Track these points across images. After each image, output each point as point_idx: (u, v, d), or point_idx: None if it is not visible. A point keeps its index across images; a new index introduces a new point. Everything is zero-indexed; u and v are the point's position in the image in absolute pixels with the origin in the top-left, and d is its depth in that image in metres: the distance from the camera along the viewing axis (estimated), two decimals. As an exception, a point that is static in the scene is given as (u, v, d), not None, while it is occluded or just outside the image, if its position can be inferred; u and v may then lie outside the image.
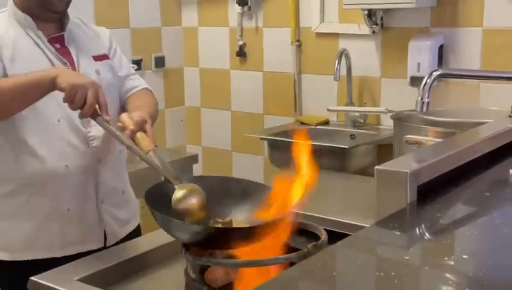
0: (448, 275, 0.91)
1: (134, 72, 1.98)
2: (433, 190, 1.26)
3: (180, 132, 3.70)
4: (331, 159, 2.70)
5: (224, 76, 3.49)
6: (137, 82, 1.94)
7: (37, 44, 1.72)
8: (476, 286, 0.88)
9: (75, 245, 1.71)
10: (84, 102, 1.52)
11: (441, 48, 2.69)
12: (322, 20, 3.06)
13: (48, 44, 1.74)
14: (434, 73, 1.48)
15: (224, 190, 1.45)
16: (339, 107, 3.00)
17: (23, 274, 1.42)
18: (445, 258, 0.98)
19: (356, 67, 2.94)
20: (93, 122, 1.65)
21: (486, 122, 1.74)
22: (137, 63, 3.31)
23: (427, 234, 1.14)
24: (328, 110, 2.97)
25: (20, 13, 1.73)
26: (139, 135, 1.53)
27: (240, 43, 3.34)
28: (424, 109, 1.46)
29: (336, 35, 3.02)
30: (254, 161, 3.41)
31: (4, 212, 1.72)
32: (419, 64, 2.66)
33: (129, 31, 3.30)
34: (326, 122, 3.07)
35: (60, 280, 1.35)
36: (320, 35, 3.08)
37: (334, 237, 1.39)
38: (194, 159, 2.96)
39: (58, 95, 1.62)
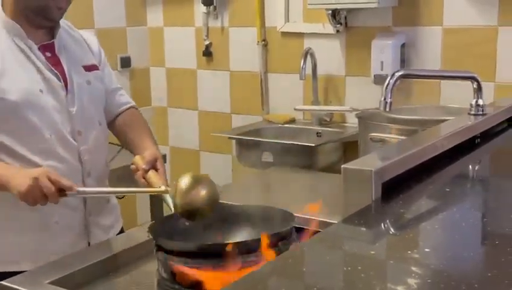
0: (412, 268, 0.96)
1: (120, 86, 1.97)
2: (397, 186, 1.31)
3: (147, 132, 3.69)
4: (298, 157, 2.74)
5: (191, 76, 3.50)
6: (126, 98, 1.95)
7: (26, 54, 1.66)
8: (437, 278, 0.92)
9: (58, 255, 1.65)
10: (45, 194, 1.49)
11: (403, 46, 2.75)
12: (287, 19, 3.10)
13: (38, 52, 1.68)
14: (396, 74, 1.53)
15: (228, 217, 1.48)
16: (305, 107, 3.05)
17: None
18: (409, 252, 1.02)
19: (321, 66, 2.98)
20: (83, 136, 1.69)
21: (447, 119, 1.80)
22: (103, 63, 3.30)
23: (391, 229, 1.18)
24: (294, 109, 3.01)
25: (8, 20, 1.66)
26: (151, 173, 1.59)
27: (206, 42, 3.36)
28: (387, 109, 1.51)
29: (301, 35, 3.06)
30: (222, 160, 3.44)
31: None
32: (382, 62, 2.72)
33: (94, 31, 3.28)
34: (293, 121, 3.12)
35: (30, 283, 1.35)
36: (285, 34, 3.12)
37: (301, 233, 1.43)
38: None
39: (48, 111, 1.63)
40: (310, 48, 2.94)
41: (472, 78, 1.74)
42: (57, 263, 1.46)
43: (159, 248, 1.33)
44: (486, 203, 1.34)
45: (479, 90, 1.75)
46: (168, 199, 1.50)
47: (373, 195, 1.23)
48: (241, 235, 1.46)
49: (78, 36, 1.84)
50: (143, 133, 1.85)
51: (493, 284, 0.89)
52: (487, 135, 1.77)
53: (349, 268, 0.97)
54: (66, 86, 1.70)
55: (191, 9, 3.42)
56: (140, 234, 1.55)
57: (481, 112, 1.75)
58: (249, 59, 3.24)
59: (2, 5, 1.68)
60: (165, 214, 2.01)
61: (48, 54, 1.70)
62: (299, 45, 3.05)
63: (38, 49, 1.68)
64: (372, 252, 1.05)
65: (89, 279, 1.40)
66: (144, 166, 1.60)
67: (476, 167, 1.63)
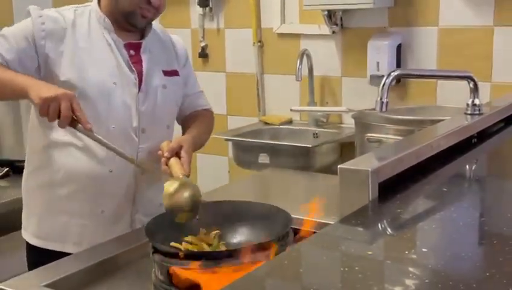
0: (409, 268, 0.95)
1: (201, 89, 2.02)
2: (393, 186, 1.31)
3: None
4: (295, 158, 2.74)
5: (187, 77, 3.49)
6: (205, 102, 2.01)
7: (111, 48, 1.72)
8: (435, 278, 0.92)
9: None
10: (60, 113, 1.52)
11: (399, 47, 2.75)
12: (283, 21, 3.09)
13: (123, 49, 1.74)
14: (392, 74, 1.52)
15: (225, 214, 1.48)
16: (301, 107, 3.04)
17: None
18: (406, 252, 1.01)
19: (317, 67, 2.98)
20: (146, 134, 1.72)
21: (443, 119, 1.80)
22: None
23: (388, 230, 1.18)
24: (291, 110, 3.00)
25: (101, 15, 1.73)
26: (173, 160, 1.59)
27: (202, 44, 3.36)
28: (384, 109, 1.50)
29: (297, 36, 3.06)
30: (219, 161, 3.43)
31: (44, 202, 1.75)
32: (378, 63, 2.72)
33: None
34: (290, 122, 3.12)
35: (26, 286, 1.34)
36: (281, 35, 3.11)
37: (298, 234, 1.43)
38: (158, 161, 2.96)
39: (117, 104, 1.69)
40: (306, 49, 2.94)
41: (468, 78, 1.74)
42: (53, 265, 1.46)
43: (155, 250, 1.33)
44: (483, 203, 1.34)
45: (475, 90, 1.75)
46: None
47: (370, 195, 1.23)
48: (240, 235, 1.46)
49: (168, 40, 1.89)
50: (195, 125, 1.87)
51: (491, 283, 0.88)
52: (484, 135, 1.77)
53: (346, 269, 0.96)
54: (139, 84, 1.74)
55: (187, 11, 3.41)
56: (137, 235, 1.55)
57: (477, 112, 1.75)
58: (245, 60, 3.24)
59: (99, 1, 1.77)
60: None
61: (132, 52, 1.76)
62: (295, 45, 3.05)
63: (124, 46, 1.74)
64: (369, 253, 1.04)
65: (85, 282, 1.40)
66: (166, 153, 1.61)
67: (473, 167, 1.63)
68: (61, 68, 1.66)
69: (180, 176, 1.53)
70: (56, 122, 1.56)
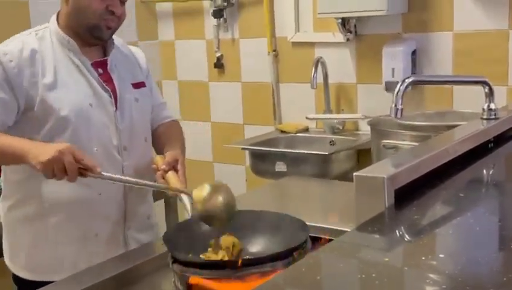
0: (426, 274, 0.95)
1: (164, 100, 2.02)
2: (410, 192, 1.31)
3: (161, 144, 3.71)
4: (312, 165, 2.74)
5: (203, 88, 3.52)
6: (169, 113, 2.00)
7: (79, 69, 1.71)
8: (452, 283, 0.92)
9: None
10: (65, 170, 1.50)
11: (414, 52, 2.75)
12: (298, 29, 3.11)
13: (92, 69, 1.72)
14: (406, 80, 1.53)
15: (243, 223, 1.49)
16: (317, 115, 3.05)
17: None
18: (423, 258, 1.02)
19: (332, 75, 2.99)
20: (128, 151, 1.72)
21: (459, 124, 1.80)
22: (116, 78, 3.33)
23: (405, 236, 1.18)
24: (306, 118, 3.01)
25: (64, 35, 1.71)
26: (170, 174, 1.61)
27: (217, 54, 3.38)
28: (398, 115, 1.51)
29: (311, 44, 3.07)
30: (236, 170, 3.44)
31: (33, 233, 1.72)
32: (393, 69, 2.72)
33: (106, 46, 3.32)
34: (306, 130, 3.12)
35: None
36: (296, 44, 3.13)
37: (317, 242, 1.44)
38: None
39: (97, 125, 1.68)
40: (321, 57, 2.94)
41: (483, 83, 1.73)
42: (75, 277, 1.47)
43: (175, 260, 1.34)
44: (500, 208, 1.33)
45: (490, 94, 1.74)
46: (186, 200, 1.51)
47: (386, 202, 1.23)
48: (258, 245, 1.47)
49: (129, 52, 1.89)
50: (174, 139, 1.87)
51: (509, 288, 0.88)
52: (501, 139, 1.76)
53: (363, 275, 0.97)
54: (115, 102, 1.74)
55: (202, 22, 3.44)
56: (156, 246, 1.56)
57: (493, 116, 1.75)
58: (260, 70, 3.25)
59: (58, 20, 1.74)
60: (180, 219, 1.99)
61: (100, 71, 1.75)
62: (310, 54, 3.06)
63: (92, 65, 1.73)
64: (386, 259, 1.04)
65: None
66: (163, 166, 1.62)
67: (490, 172, 1.63)
68: (38, 97, 1.64)
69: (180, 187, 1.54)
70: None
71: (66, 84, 1.67)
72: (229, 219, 1.47)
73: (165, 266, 1.41)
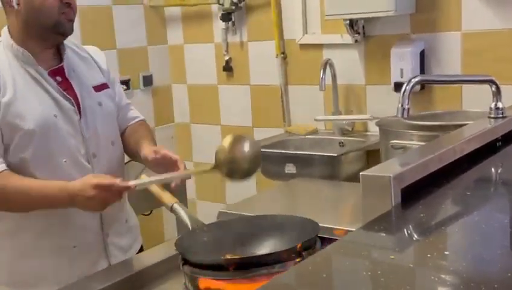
0: (432, 272, 0.96)
1: (129, 101, 1.97)
2: (416, 191, 1.31)
3: (171, 148, 3.68)
4: (321, 167, 2.74)
5: (212, 91, 3.54)
6: (136, 113, 1.95)
7: (37, 81, 1.66)
8: (458, 280, 0.92)
9: (81, 276, 1.65)
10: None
11: (422, 53, 2.75)
12: (305, 31, 3.12)
13: (49, 78, 1.68)
14: (413, 80, 1.53)
15: (253, 228, 1.50)
16: (325, 117, 3.06)
17: None
18: (429, 256, 1.02)
19: (341, 76, 2.99)
20: (97, 158, 1.71)
21: (467, 124, 1.80)
22: (126, 82, 3.36)
23: (411, 234, 1.18)
24: (315, 119, 3.02)
25: (17, 47, 1.65)
26: (157, 188, 1.59)
27: (226, 58, 3.40)
28: (405, 115, 1.51)
29: (319, 46, 3.08)
30: (246, 173, 3.45)
31: (11, 248, 1.69)
32: (402, 70, 2.72)
33: (116, 51, 3.35)
34: (315, 132, 3.13)
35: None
36: (304, 46, 3.14)
37: (326, 243, 1.44)
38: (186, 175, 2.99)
39: (63, 136, 1.64)
40: (329, 59, 2.95)
41: (490, 82, 1.73)
42: (84, 282, 1.48)
43: (185, 262, 1.35)
44: (507, 207, 1.33)
45: (497, 93, 1.74)
46: (183, 213, 1.52)
47: (392, 201, 1.23)
48: (268, 246, 1.48)
49: (86, 54, 1.83)
50: (146, 138, 1.84)
51: (513, 284, 0.89)
52: (509, 138, 1.76)
53: (369, 273, 0.98)
54: (79, 110, 1.70)
55: (210, 26, 3.46)
56: (164, 250, 1.57)
57: (501, 115, 1.74)
58: (268, 72, 3.26)
59: (10, 32, 1.68)
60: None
61: (59, 79, 1.70)
62: (318, 56, 3.07)
63: (49, 74, 1.68)
64: (393, 257, 1.05)
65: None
66: (152, 155, 1.67)
67: (498, 170, 1.63)
68: (4, 116, 1.59)
69: (175, 205, 1.54)
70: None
71: (27, 98, 1.62)
72: (249, 171, 1.49)
73: (175, 269, 1.43)
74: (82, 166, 1.69)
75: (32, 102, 1.63)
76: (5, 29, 1.70)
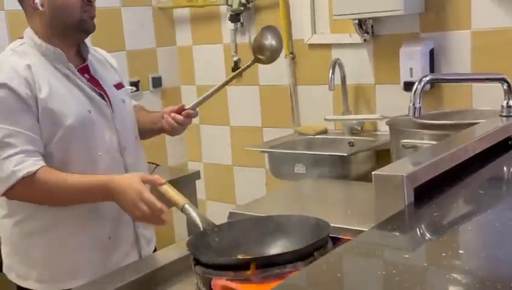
0: (447, 271, 0.96)
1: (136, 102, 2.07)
2: (429, 190, 1.31)
3: (180, 149, 3.75)
4: (331, 167, 2.74)
5: (221, 92, 3.50)
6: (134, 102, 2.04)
7: (69, 78, 1.70)
8: (473, 279, 0.92)
9: (113, 269, 1.67)
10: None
11: (431, 52, 2.74)
12: (314, 31, 3.11)
13: (80, 75, 1.73)
14: (424, 79, 1.53)
15: (260, 229, 1.50)
16: (335, 116, 3.05)
17: None
18: (443, 255, 1.02)
19: (350, 76, 2.99)
20: (127, 151, 1.77)
21: (478, 122, 1.79)
22: (135, 84, 3.37)
23: (425, 234, 1.18)
24: (325, 119, 3.02)
25: (47, 46, 1.69)
26: (166, 187, 1.61)
27: (235, 59, 3.40)
28: (417, 114, 1.51)
29: (328, 46, 3.08)
30: (256, 173, 3.46)
31: (46, 245, 1.72)
32: (411, 69, 2.71)
33: (125, 53, 3.36)
34: (325, 132, 3.12)
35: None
36: (313, 46, 3.13)
37: (338, 243, 1.44)
38: (196, 175, 3.01)
39: (99, 130, 1.70)
40: (338, 59, 2.95)
41: (501, 80, 1.72)
42: (97, 282, 1.49)
43: (197, 262, 1.35)
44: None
45: (509, 91, 1.73)
46: (193, 213, 1.52)
47: (405, 200, 1.23)
48: (279, 246, 1.48)
49: (101, 56, 1.90)
50: (151, 111, 2.02)
51: (529, 283, 0.88)
52: (521, 136, 1.75)
53: (383, 272, 0.97)
54: (110, 104, 1.77)
55: (219, 27, 3.47)
56: (175, 251, 1.58)
57: (513, 113, 1.74)
58: (277, 73, 3.26)
59: (35, 33, 1.71)
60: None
61: (87, 76, 1.76)
62: (327, 56, 3.06)
63: (78, 72, 1.74)
64: (407, 256, 1.05)
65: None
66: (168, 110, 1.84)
67: (511, 169, 1.62)
68: (40, 112, 1.63)
69: (186, 205, 1.55)
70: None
71: (62, 95, 1.66)
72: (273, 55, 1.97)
73: (187, 269, 1.43)
74: (116, 159, 1.76)
75: (67, 99, 1.68)
76: (29, 30, 1.73)
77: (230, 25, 3.35)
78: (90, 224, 1.72)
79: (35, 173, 1.57)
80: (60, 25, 1.69)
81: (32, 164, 1.58)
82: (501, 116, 1.75)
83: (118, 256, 1.77)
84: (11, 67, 1.64)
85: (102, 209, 1.72)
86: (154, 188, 1.63)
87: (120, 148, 1.76)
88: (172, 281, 1.49)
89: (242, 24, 3.32)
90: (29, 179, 1.57)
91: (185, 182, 2.90)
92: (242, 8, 3.26)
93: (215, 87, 2.02)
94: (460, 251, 1.03)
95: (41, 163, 1.60)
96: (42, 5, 1.67)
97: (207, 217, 1.54)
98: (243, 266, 1.30)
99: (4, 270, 1.81)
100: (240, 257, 1.43)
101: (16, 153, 1.57)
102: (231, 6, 3.28)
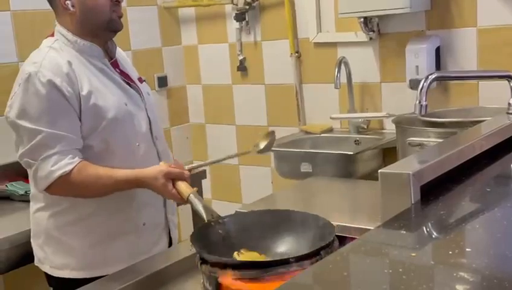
0: (453, 268, 0.95)
1: None
2: (436, 188, 1.30)
3: (186, 149, 3.75)
4: (337, 165, 2.74)
5: (227, 91, 3.54)
6: None
7: (104, 72, 1.77)
8: (479, 276, 0.92)
9: (146, 254, 1.76)
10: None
11: (438, 50, 2.73)
12: (319, 30, 3.11)
13: (113, 69, 1.79)
14: (430, 76, 1.52)
15: (265, 223, 1.50)
16: (341, 115, 3.05)
17: None
18: (450, 253, 1.01)
19: (356, 74, 2.98)
20: (158, 140, 1.85)
21: (484, 120, 1.78)
22: (141, 84, 3.37)
23: (431, 232, 1.18)
24: (331, 118, 3.01)
25: (84, 42, 1.75)
26: (179, 182, 1.66)
27: (240, 58, 3.40)
28: (423, 112, 1.50)
29: (334, 44, 3.07)
30: (262, 172, 3.46)
31: (85, 234, 1.77)
32: (417, 67, 2.70)
33: (130, 53, 3.37)
34: (330, 130, 3.12)
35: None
36: (318, 45, 3.13)
37: (344, 241, 1.43)
38: (202, 175, 3.01)
39: (136, 121, 1.77)
40: (344, 57, 2.94)
41: (508, 77, 1.72)
42: (104, 281, 1.49)
43: (203, 261, 1.35)
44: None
45: (516, 88, 1.72)
46: (199, 206, 1.54)
47: (412, 198, 1.23)
48: (284, 245, 1.48)
49: (121, 53, 1.95)
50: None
51: (537, 281, 0.88)
52: (527, 134, 1.74)
53: (390, 271, 0.97)
54: (142, 96, 1.84)
55: (224, 26, 3.47)
56: (182, 249, 1.58)
57: (519, 111, 1.73)
58: (283, 71, 3.26)
59: (66, 29, 1.75)
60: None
61: (117, 70, 1.82)
62: (333, 54, 3.06)
63: (111, 65, 1.81)
64: (413, 255, 1.05)
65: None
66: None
67: (517, 166, 1.61)
68: (83, 107, 1.68)
69: (191, 195, 1.61)
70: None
71: (101, 89, 1.73)
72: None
73: (191, 269, 1.43)
74: (151, 148, 1.83)
75: (106, 93, 1.74)
76: (60, 28, 1.77)
77: (236, 24, 3.35)
78: (126, 210, 1.78)
79: (70, 171, 1.66)
80: (90, 24, 1.75)
81: (68, 163, 1.66)
82: (508, 113, 1.74)
83: (152, 241, 1.83)
84: (54, 63, 1.68)
85: (135, 197, 1.78)
86: None
87: (152, 137, 1.84)
88: (179, 280, 1.50)
89: (247, 23, 3.32)
90: (66, 177, 1.66)
91: (191, 182, 2.87)
92: (247, 7, 3.26)
93: (218, 159, 1.97)
94: (467, 249, 1.03)
95: (76, 161, 1.67)
96: (73, 6, 1.72)
97: (212, 208, 1.54)
98: (248, 265, 1.30)
99: (36, 262, 1.86)
100: (243, 251, 1.42)
101: (54, 154, 1.66)
102: (236, 5, 3.28)
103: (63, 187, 1.67)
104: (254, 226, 1.49)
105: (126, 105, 1.76)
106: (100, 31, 1.76)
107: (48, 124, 1.65)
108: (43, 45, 1.76)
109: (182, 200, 1.63)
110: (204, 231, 1.47)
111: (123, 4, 1.85)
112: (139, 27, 3.42)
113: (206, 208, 1.52)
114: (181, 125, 3.71)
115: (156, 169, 1.67)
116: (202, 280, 1.36)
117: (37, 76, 1.65)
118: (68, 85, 1.67)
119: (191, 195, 1.59)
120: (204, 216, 1.50)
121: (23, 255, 1.99)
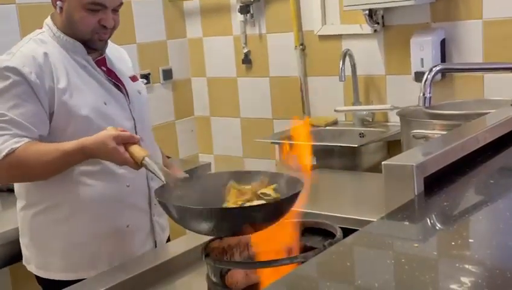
0: (456, 259, 0.96)
1: None
2: (439, 180, 1.31)
3: (191, 142, 3.76)
4: (342, 158, 2.74)
5: (232, 84, 3.55)
6: None
7: (87, 70, 1.74)
8: (482, 268, 0.92)
9: (130, 256, 1.73)
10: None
11: (443, 42, 2.73)
12: (324, 22, 3.11)
13: (97, 67, 1.76)
14: (434, 68, 1.52)
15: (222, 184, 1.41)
16: (345, 107, 3.05)
17: None
18: (453, 244, 1.02)
19: (360, 67, 2.98)
20: (144, 142, 1.71)
21: (489, 112, 1.78)
22: (146, 77, 3.37)
23: (434, 223, 1.18)
24: (335, 110, 3.01)
25: (67, 38, 1.73)
26: (131, 147, 1.56)
27: (245, 50, 3.40)
28: (427, 104, 1.50)
29: (338, 37, 3.07)
30: (266, 165, 3.46)
31: (66, 234, 1.73)
32: (422, 59, 2.70)
33: (135, 46, 3.37)
34: (335, 123, 3.12)
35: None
36: (323, 37, 3.13)
37: (349, 234, 1.44)
38: (207, 167, 3.01)
39: (117, 120, 1.71)
40: (348, 49, 2.94)
41: (512, 69, 1.71)
42: (108, 273, 1.50)
43: (207, 254, 1.36)
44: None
45: (521, 80, 1.72)
46: (156, 168, 1.47)
47: (415, 190, 1.23)
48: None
49: (115, 50, 1.93)
50: None
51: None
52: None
53: (392, 261, 0.98)
54: (127, 95, 1.80)
55: (229, 19, 3.47)
56: (185, 242, 1.59)
57: (525, 103, 1.73)
58: (287, 64, 3.26)
59: (56, 24, 1.74)
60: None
61: (103, 68, 1.79)
62: (337, 46, 3.05)
63: (96, 64, 1.77)
64: (416, 245, 1.05)
65: (139, 287, 1.43)
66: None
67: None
68: (56, 102, 1.65)
69: (146, 158, 1.51)
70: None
71: (79, 86, 1.70)
72: None
73: (195, 260, 1.43)
74: None
75: (85, 90, 1.71)
76: (49, 21, 1.76)
77: (240, 17, 3.34)
78: (109, 212, 1.74)
79: (16, 149, 1.60)
80: (72, 32, 1.73)
81: (15, 141, 1.61)
82: (512, 105, 1.74)
83: (136, 244, 1.79)
84: (26, 53, 1.67)
85: (120, 198, 1.75)
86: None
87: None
88: (184, 272, 1.50)
89: (252, 16, 3.32)
90: (11, 155, 1.60)
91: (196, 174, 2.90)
92: (252, 0, 3.26)
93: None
94: (470, 240, 1.03)
95: (25, 140, 1.62)
96: (61, 9, 1.71)
97: (169, 170, 1.48)
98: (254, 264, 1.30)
99: (24, 262, 1.83)
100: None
101: (5, 135, 1.61)
102: (241, -2, 3.28)
103: (10, 167, 1.60)
104: (214, 186, 1.41)
105: (105, 104, 1.72)
106: (80, 41, 1.74)
107: (7, 107, 1.62)
108: (27, 36, 1.76)
109: (136, 165, 1.52)
110: (164, 191, 1.40)
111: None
112: (144, 20, 3.42)
113: (163, 170, 1.46)
114: (186, 118, 3.72)
115: (104, 134, 1.56)
116: (207, 271, 1.37)
117: (6, 64, 1.64)
118: (37, 76, 1.64)
119: (145, 158, 1.50)
120: (163, 178, 1.43)
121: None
